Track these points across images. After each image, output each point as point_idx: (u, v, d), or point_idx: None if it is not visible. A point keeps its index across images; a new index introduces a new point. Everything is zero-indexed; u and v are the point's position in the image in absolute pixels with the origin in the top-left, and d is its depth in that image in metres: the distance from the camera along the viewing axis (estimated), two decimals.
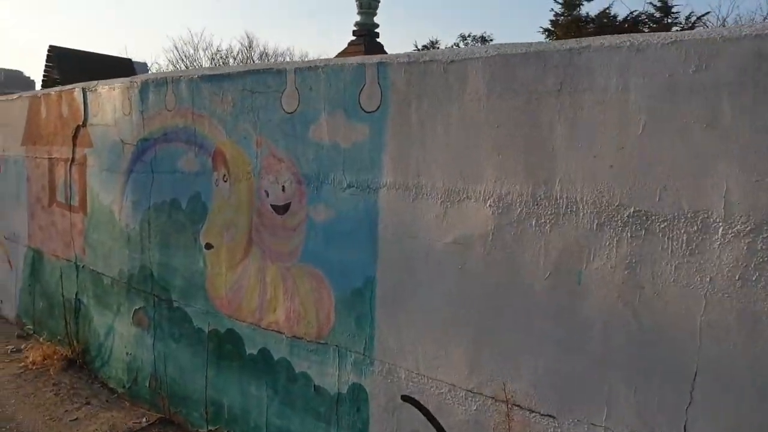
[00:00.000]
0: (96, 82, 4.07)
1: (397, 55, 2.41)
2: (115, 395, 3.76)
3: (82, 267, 4.20)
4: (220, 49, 38.15)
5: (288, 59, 38.29)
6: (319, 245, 2.64)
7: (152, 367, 3.50)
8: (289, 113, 2.76)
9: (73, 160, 4.31)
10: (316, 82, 2.64)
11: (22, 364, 4.23)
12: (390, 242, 2.38)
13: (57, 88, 4.49)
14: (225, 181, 3.06)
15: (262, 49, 38.95)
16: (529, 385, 1.99)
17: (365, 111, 2.47)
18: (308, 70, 2.69)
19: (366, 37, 12.51)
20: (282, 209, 2.79)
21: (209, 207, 3.15)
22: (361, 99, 2.48)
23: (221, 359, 3.08)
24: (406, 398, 2.31)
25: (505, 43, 2.07)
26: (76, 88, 4.23)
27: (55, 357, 4.13)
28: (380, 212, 2.42)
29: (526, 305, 2.00)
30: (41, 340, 4.48)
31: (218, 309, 3.09)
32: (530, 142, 1.97)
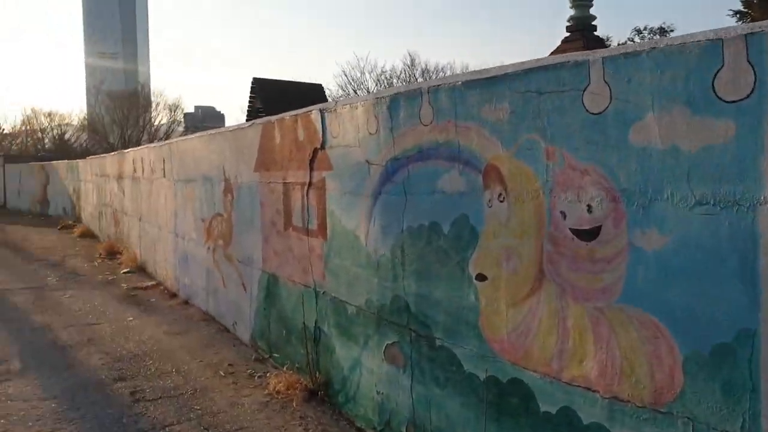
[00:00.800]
0: (334, 101, 3.93)
1: None
2: None
3: (322, 293, 4.06)
4: (384, 70, 39.61)
5: (449, 72, 38.33)
6: (651, 283, 2.03)
7: (410, 411, 3.14)
8: (594, 114, 2.21)
9: (310, 184, 4.22)
10: (638, 71, 2.06)
11: (266, 391, 4.20)
12: None
13: (293, 112, 4.47)
14: (501, 201, 2.60)
15: (423, 66, 39.62)
16: None
17: (725, 101, 1.82)
18: (624, 57, 2.12)
19: (583, 32, 11.59)
20: (588, 234, 2.24)
21: (480, 232, 2.71)
22: (718, 85, 1.84)
23: (504, 414, 2.59)
24: None
25: None
26: (313, 111, 4.14)
27: (298, 387, 4.02)
28: (761, 239, 1.75)
29: None
30: (285, 368, 4.43)
31: (497, 353, 2.61)
32: None
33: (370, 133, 3.45)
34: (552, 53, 11.86)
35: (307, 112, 4.23)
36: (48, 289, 8.67)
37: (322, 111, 4.01)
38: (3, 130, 47.30)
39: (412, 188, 3.12)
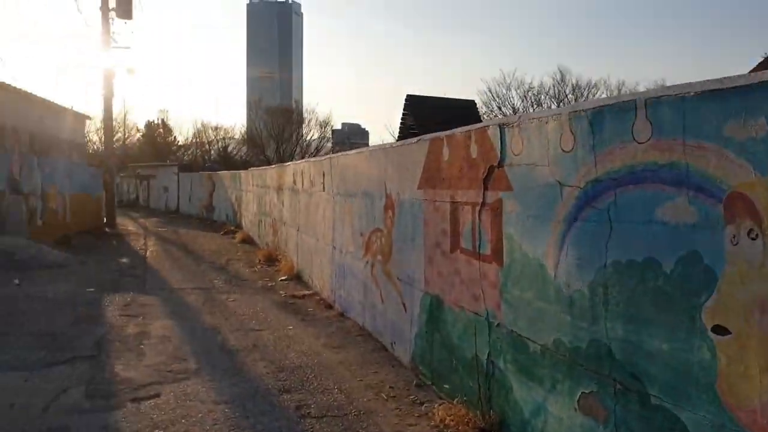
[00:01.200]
0: (517, 116, 3.61)
1: None
2: None
3: (497, 325, 3.74)
4: (531, 87, 38.21)
5: (604, 91, 35.93)
6: None
7: None
8: None
9: (483, 204, 3.93)
10: None
11: (433, 423, 3.96)
12: None
13: (465, 128, 4.23)
14: (753, 239, 2.10)
15: (574, 82, 37.79)
16: None
17: None
18: None
19: None
20: None
21: (719, 274, 2.22)
22: None
23: None
24: None
25: None
26: (491, 126, 3.86)
27: (468, 423, 3.72)
28: None
29: None
30: (455, 401, 4.13)
31: (744, 426, 2.11)
32: None
33: (564, 151, 3.08)
34: (757, 67, 10.39)
35: (483, 127, 3.96)
36: (215, 291, 9.30)
37: (501, 126, 3.71)
38: (178, 142, 53.28)
39: (620, 216, 2.70)
